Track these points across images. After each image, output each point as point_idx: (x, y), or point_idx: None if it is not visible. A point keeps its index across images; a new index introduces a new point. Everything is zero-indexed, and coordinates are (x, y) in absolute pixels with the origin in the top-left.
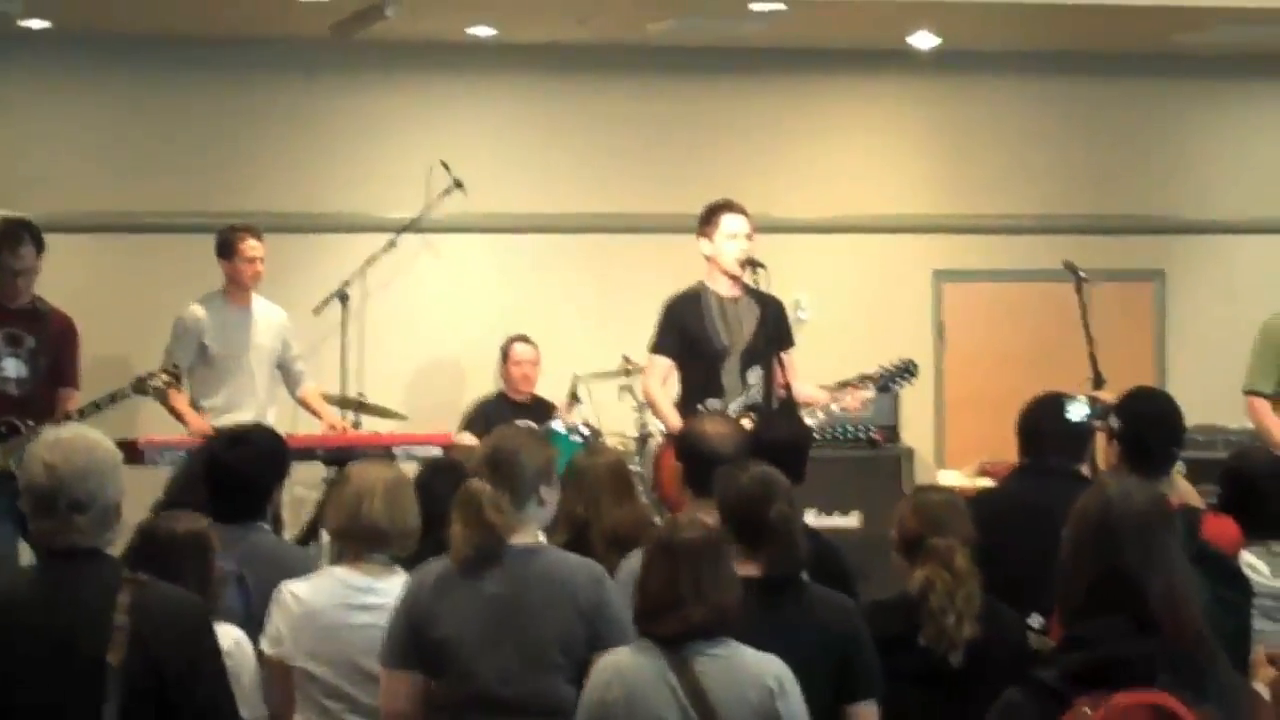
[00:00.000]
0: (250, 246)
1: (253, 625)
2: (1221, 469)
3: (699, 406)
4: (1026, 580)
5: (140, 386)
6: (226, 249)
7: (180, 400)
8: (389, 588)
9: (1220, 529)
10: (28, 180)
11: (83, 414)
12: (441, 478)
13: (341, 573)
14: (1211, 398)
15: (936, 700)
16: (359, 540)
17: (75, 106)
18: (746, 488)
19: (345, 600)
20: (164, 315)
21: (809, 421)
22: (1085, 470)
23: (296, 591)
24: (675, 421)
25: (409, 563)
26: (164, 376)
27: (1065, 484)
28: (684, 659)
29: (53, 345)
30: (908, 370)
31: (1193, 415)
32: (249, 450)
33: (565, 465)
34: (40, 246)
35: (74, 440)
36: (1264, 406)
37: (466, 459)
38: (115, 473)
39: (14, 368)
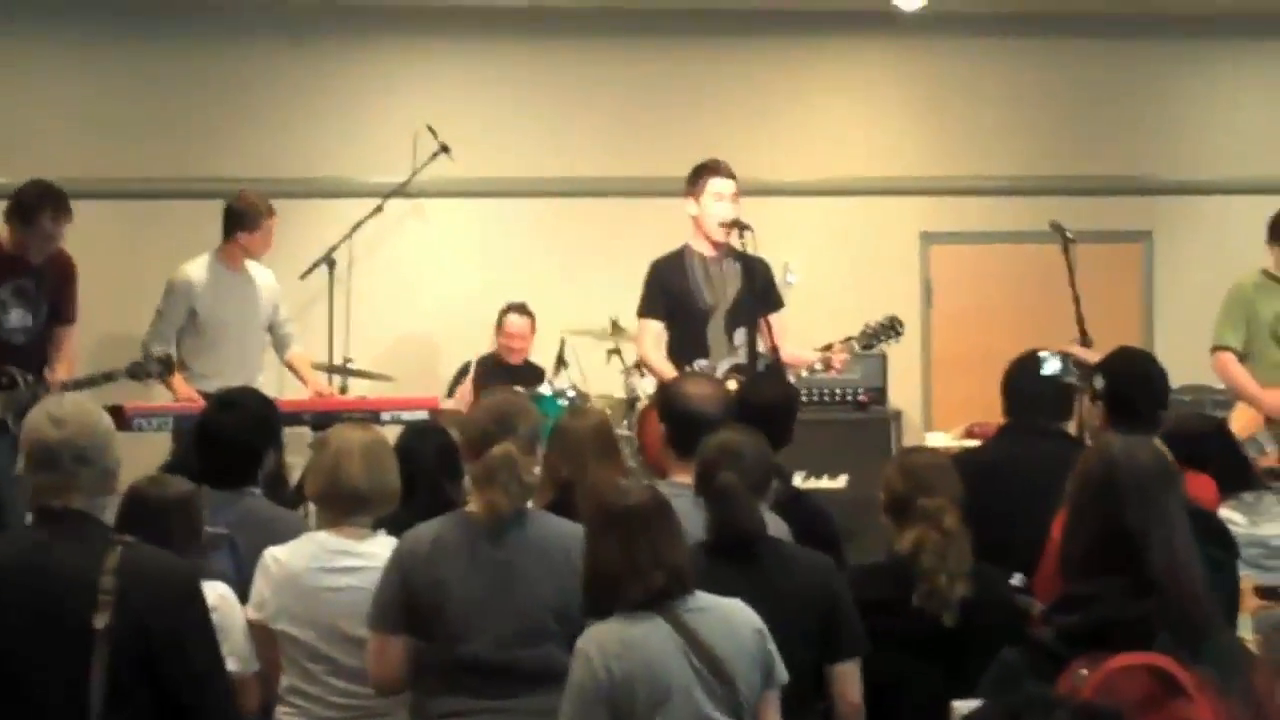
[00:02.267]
0: (274, 222)
1: (244, 589)
2: (1163, 435)
3: (686, 367)
4: (1008, 539)
5: (135, 372)
6: (251, 222)
7: None
8: (370, 550)
9: (1200, 487)
10: (12, 146)
11: (78, 385)
12: (424, 441)
13: (322, 537)
14: (1198, 358)
15: (931, 661)
16: (339, 504)
17: (60, 72)
18: (708, 453)
19: (326, 563)
20: (149, 281)
21: (792, 378)
22: (1069, 428)
23: (278, 555)
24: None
25: (390, 525)
26: (158, 365)
27: (1046, 443)
28: (679, 619)
29: (53, 285)
30: (893, 328)
31: (1180, 375)
32: (239, 414)
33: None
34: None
35: (79, 402)
36: (1231, 359)
37: (451, 423)
38: (113, 440)
39: (19, 318)
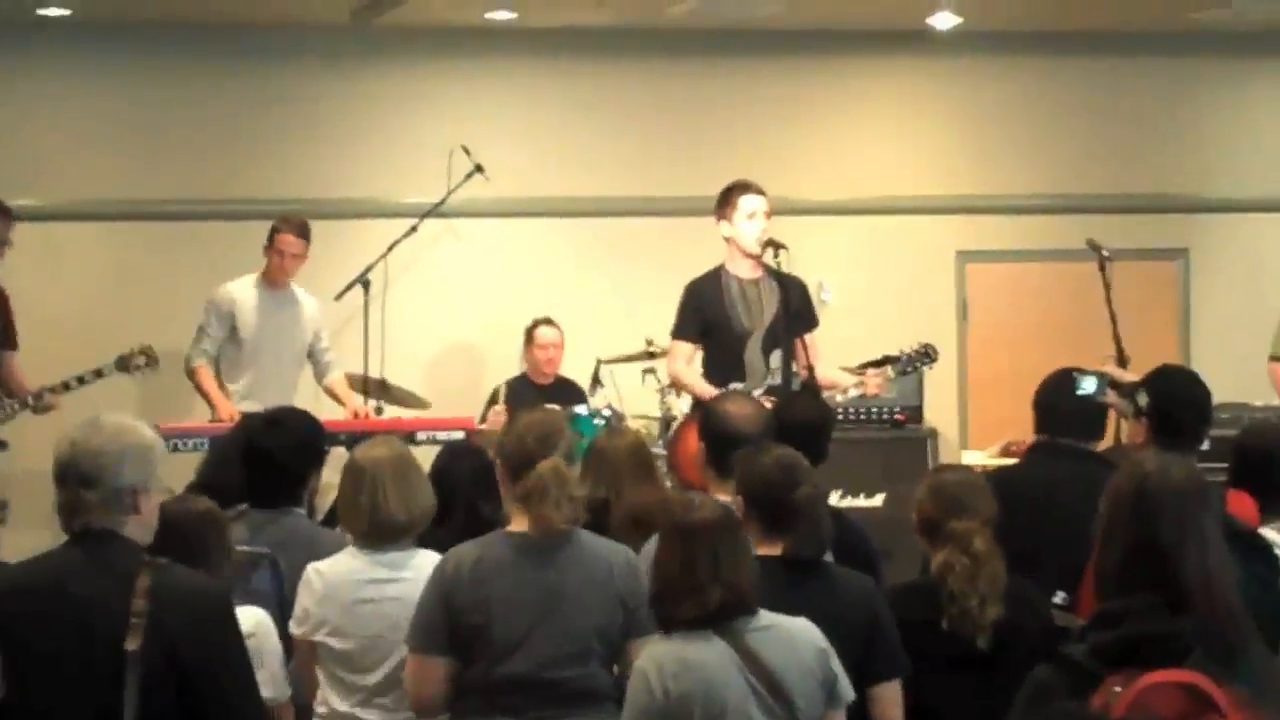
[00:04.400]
0: (283, 240)
1: (285, 608)
2: (1233, 444)
3: (724, 390)
4: (1041, 559)
5: (123, 364)
6: (269, 238)
7: (208, 381)
8: (411, 562)
9: (1241, 505)
10: (48, 168)
11: (67, 387)
12: (460, 461)
13: (364, 552)
14: (1236, 376)
15: (966, 683)
16: (381, 536)
17: (94, 94)
18: (769, 470)
19: (368, 575)
20: (185, 303)
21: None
22: (1098, 447)
23: (320, 569)
24: (707, 390)
25: (427, 545)
26: (142, 356)
27: (1077, 463)
28: (738, 638)
29: None
30: (927, 355)
31: (1217, 393)
32: (285, 435)
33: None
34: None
35: (104, 422)
36: None
37: (487, 443)
38: (140, 458)
39: None
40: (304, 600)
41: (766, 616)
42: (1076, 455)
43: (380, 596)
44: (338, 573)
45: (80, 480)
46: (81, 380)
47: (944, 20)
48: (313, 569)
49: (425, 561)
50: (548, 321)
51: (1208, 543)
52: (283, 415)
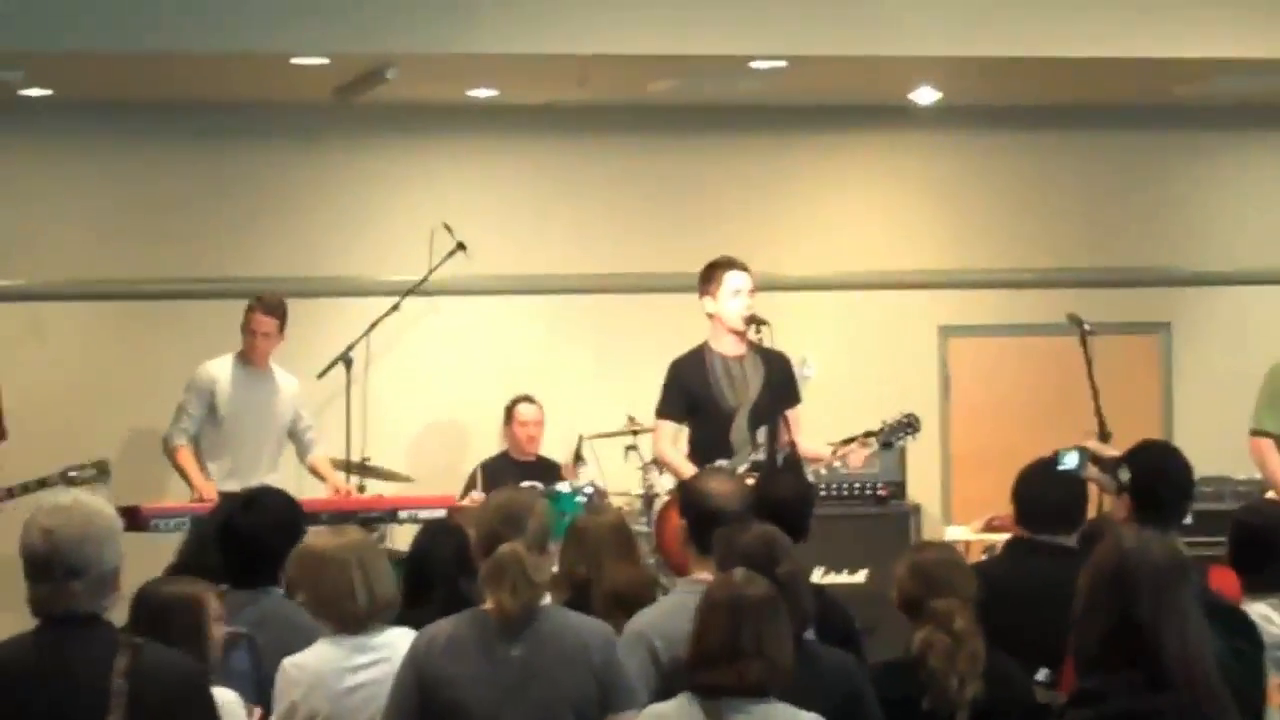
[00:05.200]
0: (255, 320)
1: (263, 686)
2: (1232, 521)
3: (707, 466)
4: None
5: (68, 479)
6: (244, 318)
7: (189, 461)
8: (385, 642)
9: (1226, 581)
10: (29, 249)
11: (11, 494)
12: (441, 540)
13: (337, 638)
14: (1219, 449)
15: None
16: (351, 626)
17: (76, 174)
18: (750, 547)
19: (347, 662)
20: (165, 382)
21: (812, 478)
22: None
23: (299, 662)
24: (691, 471)
25: (408, 624)
26: (92, 469)
27: (1051, 561)
28: (719, 713)
29: None
30: (910, 425)
31: (1200, 467)
32: (262, 514)
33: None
34: None
35: (73, 507)
36: (1268, 446)
37: (467, 521)
38: (113, 539)
39: None
40: (290, 695)
41: (770, 704)
42: (1054, 551)
43: (368, 680)
44: (322, 661)
45: (68, 572)
46: (26, 488)
47: (925, 95)
48: (291, 664)
49: (399, 638)
50: (528, 399)
51: (1187, 619)
52: (259, 495)
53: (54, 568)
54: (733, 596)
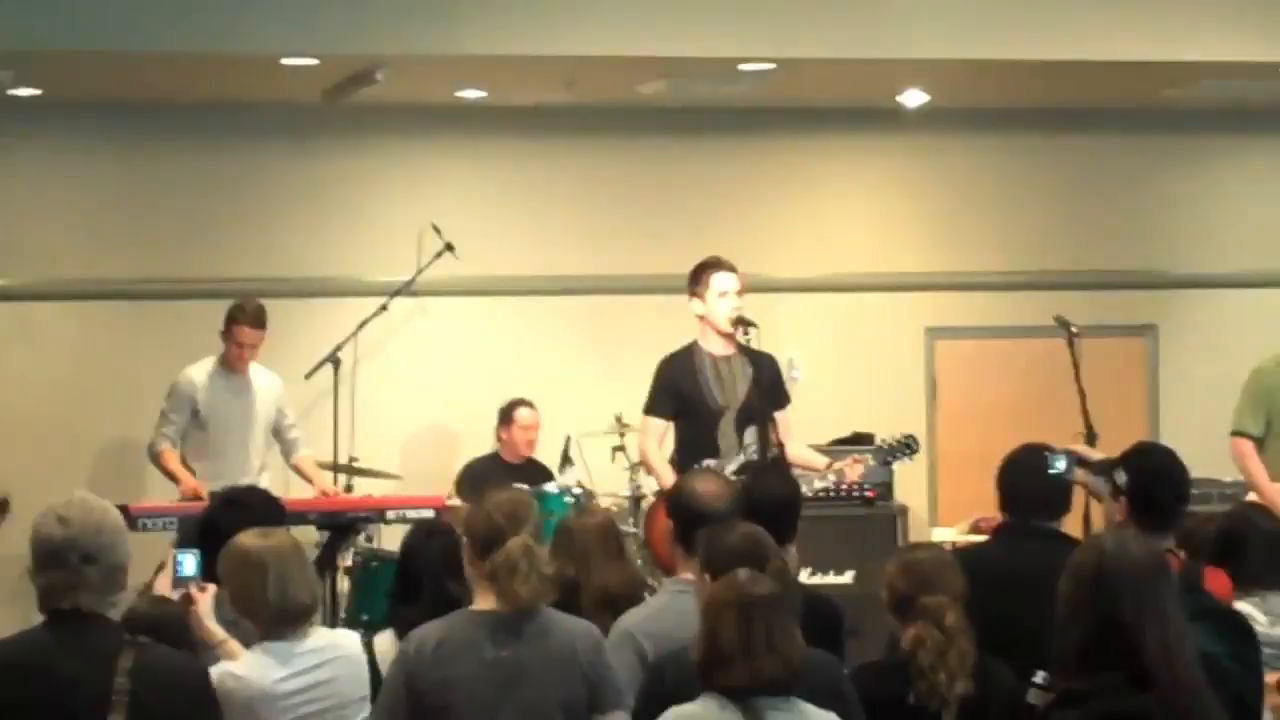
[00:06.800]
0: (240, 332)
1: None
2: (1219, 523)
3: (695, 466)
4: (1013, 639)
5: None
6: (225, 325)
7: (173, 462)
8: (323, 640)
9: (1219, 583)
10: (17, 249)
11: None
12: (429, 540)
13: (271, 645)
14: (1205, 451)
15: None
16: (289, 623)
17: (64, 174)
18: (734, 547)
19: (288, 669)
20: (152, 383)
21: (805, 488)
22: (1062, 526)
23: (234, 672)
24: (670, 479)
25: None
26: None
27: (1043, 544)
28: (756, 712)
29: None
30: (908, 446)
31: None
32: (243, 513)
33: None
34: None
35: (86, 501)
36: (1248, 448)
37: (456, 522)
38: (123, 535)
39: None
40: (229, 709)
41: (796, 703)
42: (1042, 536)
43: (300, 686)
44: (257, 673)
45: (83, 558)
46: None
47: (913, 98)
48: (226, 674)
49: (344, 636)
50: (527, 403)
51: (1168, 619)
52: (240, 495)
53: (70, 554)
54: (741, 595)
